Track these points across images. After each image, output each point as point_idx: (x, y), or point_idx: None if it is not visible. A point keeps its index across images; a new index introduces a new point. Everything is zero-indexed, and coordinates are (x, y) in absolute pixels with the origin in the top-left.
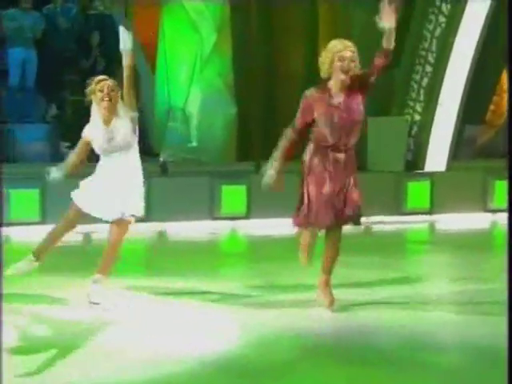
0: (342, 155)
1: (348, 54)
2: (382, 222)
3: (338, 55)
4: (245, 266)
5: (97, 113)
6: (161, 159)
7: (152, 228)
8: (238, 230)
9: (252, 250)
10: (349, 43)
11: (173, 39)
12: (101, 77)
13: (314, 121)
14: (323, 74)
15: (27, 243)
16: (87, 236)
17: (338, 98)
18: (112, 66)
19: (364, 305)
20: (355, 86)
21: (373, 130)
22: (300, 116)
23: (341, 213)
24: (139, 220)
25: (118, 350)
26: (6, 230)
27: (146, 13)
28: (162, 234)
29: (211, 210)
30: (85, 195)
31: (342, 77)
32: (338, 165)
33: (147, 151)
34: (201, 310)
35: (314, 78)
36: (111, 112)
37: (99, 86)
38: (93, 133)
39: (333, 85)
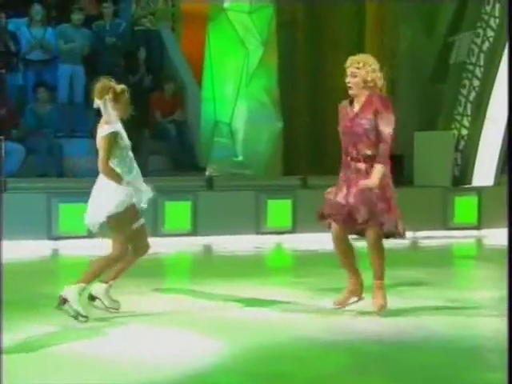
0: (362, 165)
1: (351, 70)
2: (428, 237)
3: (346, 71)
4: (290, 280)
5: (113, 113)
6: (207, 174)
7: (198, 242)
8: (283, 245)
9: (297, 264)
10: (356, 59)
11: (219, 54)
12: (122, 88)
13: None
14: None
15: (75, 257)
16: None
17: (354, 109)
18: (158, 81)
19: (409, 317)
20: (375, 107)
21: (420, 145)
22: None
23: (354, 219)
24: (185, 234)
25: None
26: (54, 244)
27: (193, 28)
28: (207, 248)
29: (257, 225)
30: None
31: (349, 91)
32: (359, 173)
33: (193, 166)
34: (242, 320)
35: None
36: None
37: (122, 100)
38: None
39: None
